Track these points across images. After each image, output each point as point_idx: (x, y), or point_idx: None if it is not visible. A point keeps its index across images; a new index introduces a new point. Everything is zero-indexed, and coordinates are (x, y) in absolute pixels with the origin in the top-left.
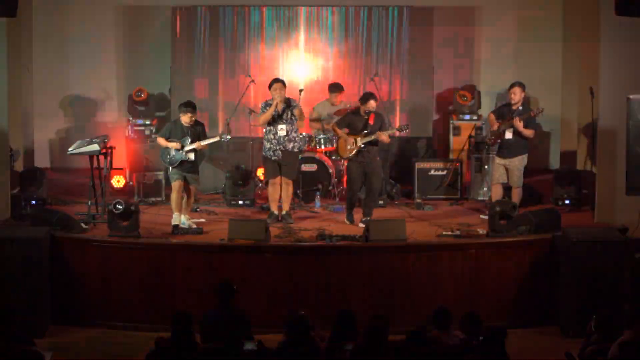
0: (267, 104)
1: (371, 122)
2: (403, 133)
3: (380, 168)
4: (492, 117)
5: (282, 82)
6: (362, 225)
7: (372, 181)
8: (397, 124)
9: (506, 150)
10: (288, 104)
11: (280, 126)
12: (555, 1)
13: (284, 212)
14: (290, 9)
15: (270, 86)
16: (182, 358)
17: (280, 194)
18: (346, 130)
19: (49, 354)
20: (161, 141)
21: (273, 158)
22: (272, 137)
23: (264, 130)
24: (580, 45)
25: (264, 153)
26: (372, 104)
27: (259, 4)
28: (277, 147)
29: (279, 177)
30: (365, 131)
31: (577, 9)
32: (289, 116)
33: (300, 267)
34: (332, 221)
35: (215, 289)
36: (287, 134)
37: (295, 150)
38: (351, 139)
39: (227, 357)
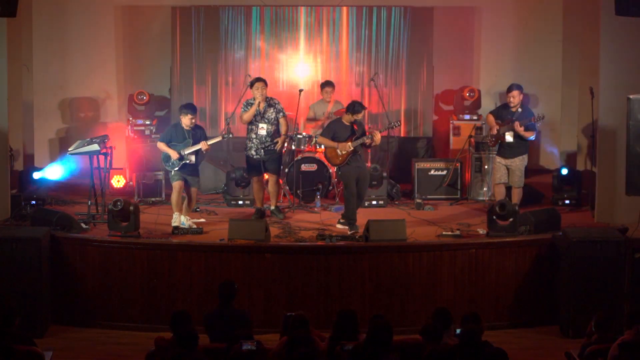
0: (249, 103)
1: (355, 128)
2: (396, 130)
3: (368, 171)
4: (491, 118)
5: (264, 81)
6: (339, 226)
7: (363, 186)
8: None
9: (507, 150)
10: (269, 102)
11: (261, 125)
12: (555, 1)
13: (272, 208)
14: (290, 9)
15: (252, 85)
16: (183, 358)
17: (265, 190)
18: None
19: (49, 354)
20: (161, 146)
21: (255, 157)
22: (254, 136)
23: (247, 129)
24: (580, 45)
25: (246, 152)
26: (361, 115)
27: (259, 4)
28: (260, 147)
29: (262, 175)
30: (355, 136)
31: (577, 9)
32: (271, 116)
33: (300, 267)
34: (332, 221)
35: (217, 289)
36: (268, 133)
37: (278, 148)
38: (343, 145)
39: (227, 357)
